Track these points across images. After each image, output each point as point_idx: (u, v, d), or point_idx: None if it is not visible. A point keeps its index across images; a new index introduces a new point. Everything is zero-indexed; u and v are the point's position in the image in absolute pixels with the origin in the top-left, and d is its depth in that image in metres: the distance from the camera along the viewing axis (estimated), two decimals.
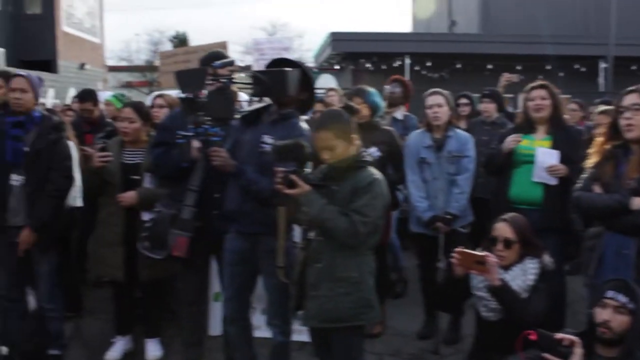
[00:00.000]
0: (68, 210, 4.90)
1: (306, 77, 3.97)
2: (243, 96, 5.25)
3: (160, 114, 5.38)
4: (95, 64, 30.38)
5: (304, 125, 3.96)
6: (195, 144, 3.91)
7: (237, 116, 3.92)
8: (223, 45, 7.97)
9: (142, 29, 77.62)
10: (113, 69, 39.58)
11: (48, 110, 4.88)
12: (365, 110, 5.11)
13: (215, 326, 5.26)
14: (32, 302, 5.13)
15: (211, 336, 5.15)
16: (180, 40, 49.34)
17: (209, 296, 5.14)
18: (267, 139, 3.81)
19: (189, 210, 4.08)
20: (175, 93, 6.37)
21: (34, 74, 4.97)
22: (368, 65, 17.37)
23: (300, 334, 4.59)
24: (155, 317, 5.14)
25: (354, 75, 17.71)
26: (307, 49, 37.68)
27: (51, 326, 4.85)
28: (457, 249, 3.53)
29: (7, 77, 5.15)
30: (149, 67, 42.48)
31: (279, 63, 4.03)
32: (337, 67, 20.08)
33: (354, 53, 17.68)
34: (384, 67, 17.00)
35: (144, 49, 48.01)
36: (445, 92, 5.24)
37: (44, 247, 4.63)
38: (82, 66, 28.00)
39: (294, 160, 3.34)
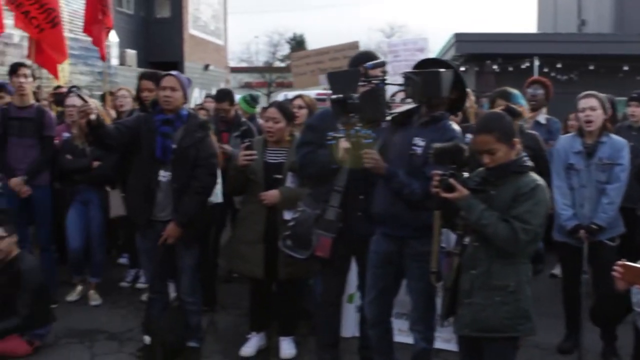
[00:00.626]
0: (209, 206, 5.01)
1: (457, 77, 3.86)
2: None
3: (300, 115, 5.41)
4: (218, 65, 31.36)
5: (456, 127, 3.85)
6: (343, 145, 3.88)
7: (388, 118, 3.85)
8: (355, 45, 7.95)
9: (262, 31, 79.41)
10: (234, 70, 40.73)
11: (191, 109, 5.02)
12: None
13: (348, 328, 5.23)
14: (172, 294, 5.30)
15: (344, 338, 5.11)
16: (297, 42, 50.21)
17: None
18: (418, 141, 3.74)
19: (333, 211, 4.07)
20: (312, 94, 6.43)
21: None
22: (494, 67, 16.91)
23: (442, 341, 4.49)
24: (291, 315, 5.16)
25: (478, 77, 17.29)
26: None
27: (190, 319, 4.98)
28: (619, 262, 3.31)
29: (156, 78, 5.34)
30: (267, 68, 43.45)
31: (427, 64, 3.95)
32: (461, 69, 19.71)
33: (478, 54, 17.25)
34: (510, 69, 16.49)
35: (263, 50, 49.19)
36: (600, 94, 4.96)
37: (188, 242, 4.76)
38: (206, 67, 28.96)
39: (452, 163, 3.24)
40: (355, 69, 3.88)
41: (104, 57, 8.20)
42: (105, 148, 4.98)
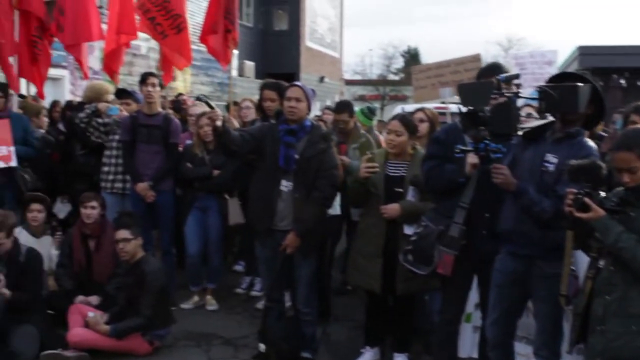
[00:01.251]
0: (328, 217, 5.00)
1: (595, 92, 3.67)
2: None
3: (422, 128, 5.33)
4: (333, 77, 31.64)
5: (593, 144, 3.65)
6: (472, 159, 3.76)
7: (519, 132, 3.70)
8: (477, 58, 7.77)
9: (377, 44, 79.62)
10: (348, 82, 40.97)
11: None
12: None
13: (465, 348, 5.06)
14: (288, 303, 5.31)
15: (460, 358, 4.96)
16: (411, 56, 49.94)
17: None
18: (551, 157, 3.58)
19: (457, 227, 3.95)
20: (430, 107, 6.31)
21: None
22: (621, 81, 16.15)
23: None
24: (406, 331, 5.07)
25: (603, 92, 16.54)
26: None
27: (305, 329, 4.98)
28: None
29: (279, 89, 5.39)
30: (382, 81, 43.44)
31: (561, 78, 3.78)
32: None
33: (603, 68, 16.53)
34: (639, 83, 15.71)
35: (377, 63, 49.24)
36: None
37: (306, 252, 4.77)
38: (321, 79, 29.28)
39: (588, 181, 3.07)
40: (487, 81, 3.75)
41: (225, 66, 8.41)
42: (229, 154, 5.10)
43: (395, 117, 4.99)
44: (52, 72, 13.55)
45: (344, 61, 36.92)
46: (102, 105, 6.48)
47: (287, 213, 4.68)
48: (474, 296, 4.58)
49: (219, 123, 4.48)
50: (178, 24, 7.89)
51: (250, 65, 23.60)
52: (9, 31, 7.40)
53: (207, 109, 4.98)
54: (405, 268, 4.24)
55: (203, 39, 8.26)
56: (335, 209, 5.68)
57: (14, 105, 7.40)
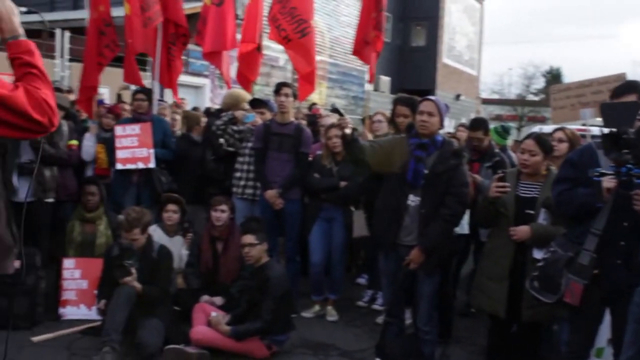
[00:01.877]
0: (455, 236, 4.87)
1: None
2: None
3: (560, 148, 5.09)
4: (469, 95, 31.10)
5: None
6: (608, 183, 3.52)
7: None
8: (621, 77, 7.33)
9: (516, 63, 77.49)
10: (485, 101, 40.09)
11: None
12: None
13: None
14: (408, 320, 5.21)
15: None
16: (553, 76, 48.15)
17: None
18: None
19: (587, 255, 3.70)
20: (574, 127, 6.02)
21: None
22: None
23: None
24: (529, 359, 4.82)
25: None
26: None
27: (424, 348, 4.86)
28: None
29: (412, 104, 5.32)
30: (520, 101, 42.15)
31: None
32: None
33: None
34: None
35: (516, 82, 47.82)
36: None
37: (429, 269, 4.67)
38: (457, 97, 28.86)
39: None
40: (634, 102, 3.51)
41: (372, 79, 8.48)
42: (357, 163, 5.09)
43: (529, 136, 4.78)
44: (194, 80, 14.28)
45: (482, 79, 36.21)
46: (238, 113, 6.69)
47: (413, 228, 4.60)
48: (606, 330, 4.29)
49: (347, 131, 4.50)
50: (303, 29, 8.03)
51: (385, 80, 23.63)
52: (140, 32, 7.79)
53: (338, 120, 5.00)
54: (531, 294, 4.03)
55: (356, 51, 8.34)
56: (463, 227, 5.53)
57: (155, 108, 7.77)
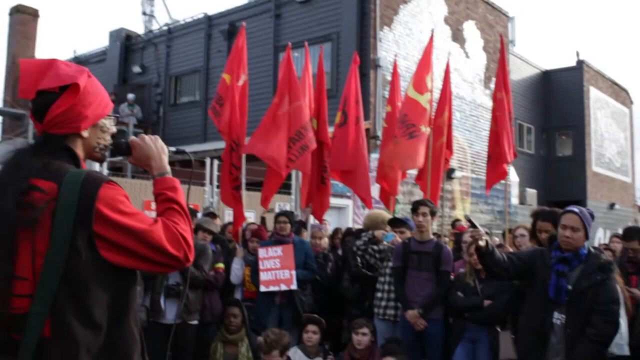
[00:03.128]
0: (612, 358, 4.48)
1: None
2: None
3: None
4: (625, 204, 29.52)
5: None
6: None
7: None
8: None
9: None
10: None
11: (595, 248, 4.62)
12: None
13: None
14: None
15: None
16: None
17: None
18: None
19: None
20: None
21: None
22: None
23: None
24: None
25: None
26: None
27: None
28: None
29: (554, 218, 5.11)
30: None
31: None
32: None
33: None
34: None
35: None
36: None
37: None
38: (611, 206, 27.48)
39: None
40: None
41: (487, 189, 8.41)
42: (494, 276, 4.88)
43: None
44: (336, 201, 14.55)
45: (637, 186, 34.31)
46: (378, 233, 6.73)
47: (560, 348, 4.30)
48: None
49: (481, 243, 4.35)
50: (411, 132, 8.18)
51: (532, 192, 22.97)
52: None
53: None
54: None
55: (499, 166, 8.33)
56: (622, 348, 5.08)
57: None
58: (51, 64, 2.16)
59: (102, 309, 2.01)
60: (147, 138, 2.38)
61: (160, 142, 2.40)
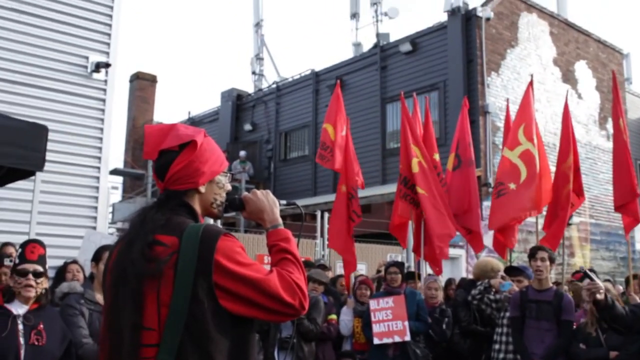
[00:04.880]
0: None
1: None
2: None
3: None
4: None
5: None
6: None
7: None
8: None
9: None
10: None
11: None
12: None
13: None
14: None
15: None
16: None
17: None
18: None
19: None
20: None
21: None
22: None
23: None
24: None
25: None
26: None
27: None
28: None
29: None
30: None
31: None
32: None
33: None
34: None
35: None
36: None
37: None
38: None
39: None
40: None
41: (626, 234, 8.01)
42: (616, 332, 4.60)
43: None
44: (450, 251, 14.27)
45: None
46: (494, 281, 6.55)
47: None
48: None
49: (599, 296, 4.12)
50: (499, 191, 8.25)
51: None
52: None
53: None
54: None
55: (618, 207, 8.01)
56: None
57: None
58: (172, 127, 2.33)
59: (223, 357, 2.06)
60: (259, 193, 2.47)
61: (271, 196, 2.47)
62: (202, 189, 2.33)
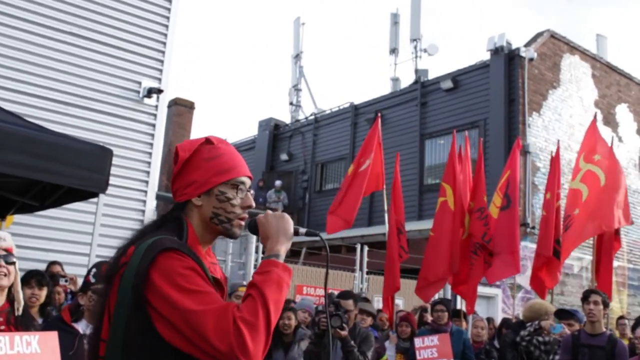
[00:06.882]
0: None
1: None
2: None
3: None
4: None
5: None
6: None
7: None
8: None
9: None
10: None
11: None
12: None
13: None
14: None
15: None
16: None
17: None
18: None
19: None
20: None
21: None
22: None
23: None
24: None
25: None
26: None
27: None
28: None
29: None
30: None
31: None
32: None
33: None
34: None
35: None
36: None
37: None
38: None
39: None
40: None
41: None
42: None
43: None
44: (485, 290, 14.12)
45: None
46: (545, 323, 6.45)
47: None
48: None
49: None
50: (567, 225, 8.17)
51: None
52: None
53: None
54: None
55: None
56: None
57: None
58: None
59: None
60: (271, 215, 2.12)
61: (283, 221, 2.10)
62: (198, 201, 2.09)
